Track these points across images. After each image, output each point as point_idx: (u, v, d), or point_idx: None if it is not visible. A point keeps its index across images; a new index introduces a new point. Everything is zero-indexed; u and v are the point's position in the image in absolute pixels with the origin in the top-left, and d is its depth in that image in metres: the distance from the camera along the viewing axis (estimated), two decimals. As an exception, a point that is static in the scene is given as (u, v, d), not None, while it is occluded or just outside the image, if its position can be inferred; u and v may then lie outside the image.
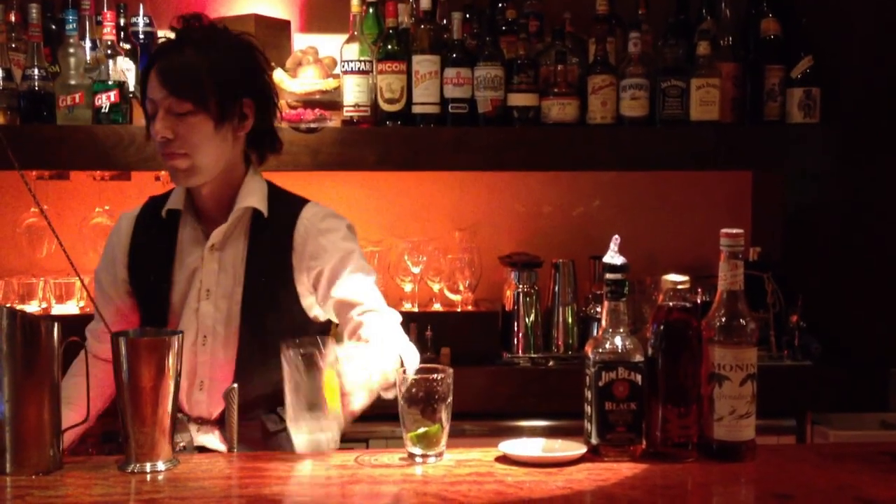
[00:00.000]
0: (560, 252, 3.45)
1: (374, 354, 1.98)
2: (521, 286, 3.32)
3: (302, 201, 2.30)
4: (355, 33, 3.18)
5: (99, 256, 2.39)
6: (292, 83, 3.23)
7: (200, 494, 1.67)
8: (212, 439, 2.16)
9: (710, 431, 1.85)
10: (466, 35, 3.24)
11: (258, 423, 2.17)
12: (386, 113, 3.17)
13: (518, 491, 1.69)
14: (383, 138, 3.17)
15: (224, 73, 2.15)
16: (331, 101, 3.22)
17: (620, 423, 1.83)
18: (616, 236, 1.89)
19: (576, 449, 1.85)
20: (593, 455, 1.84)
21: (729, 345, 1.84)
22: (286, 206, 2.26)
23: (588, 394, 1.85)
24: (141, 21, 3.28)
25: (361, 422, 3.09)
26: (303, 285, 2.21)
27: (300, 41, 3.54)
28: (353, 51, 3.16)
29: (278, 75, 3.24)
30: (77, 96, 3.05)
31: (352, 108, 3.17)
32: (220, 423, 2.12)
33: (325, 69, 3.29)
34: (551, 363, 3.28)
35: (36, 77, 3.04)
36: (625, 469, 1.80)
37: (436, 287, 3.49)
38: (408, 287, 3.48)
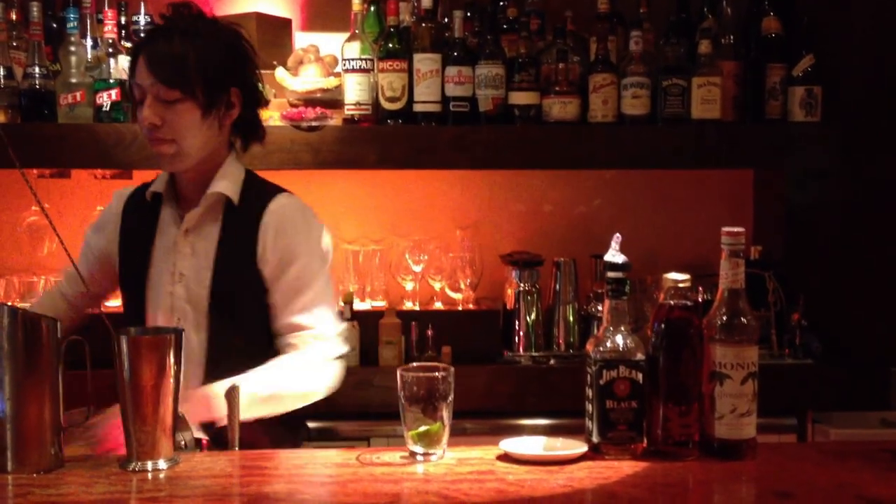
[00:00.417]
0: (561, 251, 3.45)
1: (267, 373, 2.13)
2: (522, 285, 3.32)
3: (274, 191, 2.31)
4: (356, 32, 3.18)
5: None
6: (293, 81, 3.23)
7: (202, 493, 1.67)
8: None
9: (711, 430, 1.85)
10: (468, 33, 3.23)
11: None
12: (387, 111, 3.17)
13: (519, 489, 1.69)
14: (384, 137, 3.17)
15: (211, 62, 2.19)
16: (332, 100, 3.22)
17: (621, 421, 1.83)
18: (617, 235, 1.89)
19: (577, 447, 1.84)
20: (594, 453, 1.84)
21: (730, 343, 1.84)
22: (257, 196, 2.28)
23: (589, 392, 1.85)
24: (142, 19, 3.28)
25: (363, 420, 3.13)
26: (265, 275, 2.25)
27: (301, 39, 3.54)
28: (354, 49, 3.16)
29: (280, 74, 3.24)
30: (78, 95, 3.05)
31: (353, 107, 3.17)
32: None
33: (326, 67, 3.29)
34: (552, 362, 3.28)
35: (37, 75, 3.04)
36: (626, 467, 1.80)
37: (437, 286, 3.49)
38: (409, 286, 3.49)
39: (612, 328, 1.86)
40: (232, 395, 2.01)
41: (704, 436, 1.86)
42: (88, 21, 3.14)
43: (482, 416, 3.13)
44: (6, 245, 3.52)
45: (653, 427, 1.86)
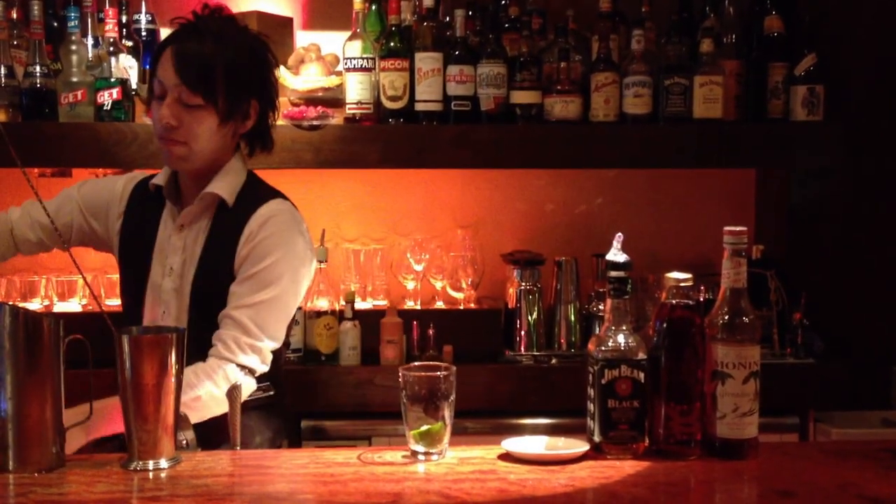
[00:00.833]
0: (563, 250, 3.45)
1: None
2: (523, 284, 3.32)
3: (268, 196, 2.31)
4: (358, 30, 3.18)
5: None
6: (295, 80, 3.23)
7: (203, 492, 1.67)
8: None
9: (712, 429, 1.85)
10: (469, 32, 3.23)
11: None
12: (388, 110, 3.17)
13: (521, 489, 1.68)
14: (386, 136, 3.16)
15: (238, 73, 2.21)
16: (333, 99, 3.22)
17: (623, 420, 1.83)
18: (619, 234, 1.89)
19: (578, 447, 1.84)
20: (596, 453, 1.84)
21: (732, 342, 1.84)
22: (251, 199, 2.29)
23: (591, 391, 1.85)
24: (143, 18, 3.28)
25: (364, 420, 3.13)
26: (235, 268, 2.25)
27: (303, 38, 3.53)
28: (355, 48, 3.16)
29: (281, 73, 3.23)
30: (79, 93, 3.05)
31: (354, 106, 3.17)
32: None
33: (327, 66, 3.29)
34: (554, 361, 3.28)
35: (38, 74, 3.04)
36: (627, 467, 1.80)
37: (438, 285, 3.49)
38: (410, 285, 3.49)
39: (613, 327, 1.85)
40: (233, 394, 2.00)
41: (706, 435, 1.86)
42: (89, 20, 3.13)
43: (483, 415, 3.13)
44: (7, 244, 3.52)
45: (654, 426, 1.86)
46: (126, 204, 2.39)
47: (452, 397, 1.83)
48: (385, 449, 1.91)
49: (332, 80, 3.24)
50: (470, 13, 3.26)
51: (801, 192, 3.60)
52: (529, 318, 3.32)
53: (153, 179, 2.35)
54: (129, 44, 3.21)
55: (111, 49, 3.10)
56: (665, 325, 1.86)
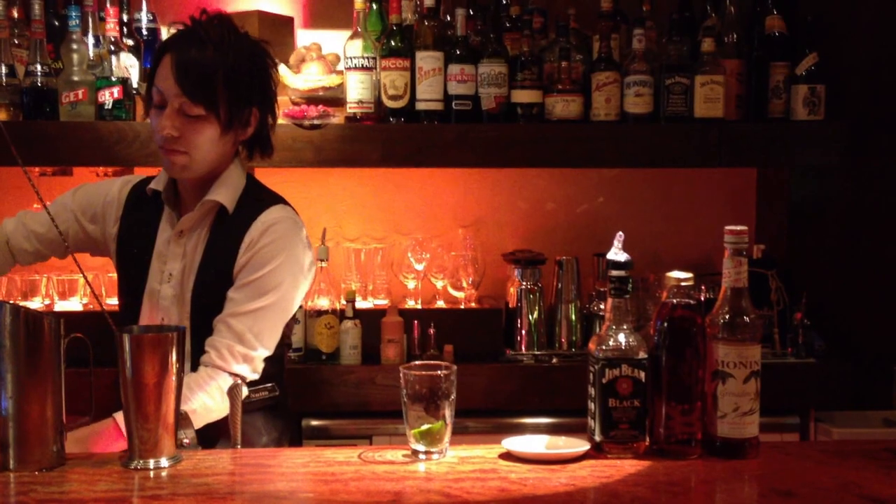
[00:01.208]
0: (563, 249, 3.45)
1: None
2: (524, 283, 3.32)
3: (268, 203, 2.28)
4: (359, 30, 3.18)
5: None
6: (296, 79, 3.23)
7: (204, 491, 1.67)
8: None
9: (713, 428, 1.85)
10: (470, 32, 3.23)
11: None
12: (389, 109, 3.17)
13: (521, 488, 1.68)
14: (387, 135, 3.16)
15: (239, 82, 2.18)
16: (334, 98, 3.22)
17: (624, 420, 1.83)
18: (620, 233, 1.88)
19: (579, 446, 1.84)
20: (597, 452, 1.84)
21: (733, 342, 1.84)
22: (251, 206, 2.26)
23: (591, 391, 1.85)
24: (144, 17, 3.28)
25: (365, 418, 3.13)
26: (234, 275, 2.23)
27: (304, 37, 3.54)
28: (356, 47, 3.16)
29: (282, 72, 3.23)
30: (80, 92, 3.05)
31: (355, 105, 3.17)
32: None
33: (328, 66, 3.29)
34: (554, 360, 3.28)
35: (39, 73, 3.04)
36: (628, 466, 1.80)
37: (439, 284, 3.49)
38: (411, 284, 3.48)
39: (614, 327, 1.85)
40: (234, 393, 2.01)
41: (707, 434, 1.86)
42: (90, 19, 3.13)
43: (484, 414, 3.14)
44: (8, 243, 3.52)
45: (655, 426, 1.86)
46: (123, 208, 2.36)
47: (453, 396, 1.83)
48: (386, 448, 1.91)
49: (333, 80, 3.24)
50: (471, 12, 3.26)
51: (802, 191, 3.60)
52: (530, 317, 3.32)
53: (150, 184, 2.32)
54: (130, 43, 3.20)
55: (112, 48, 3.09)
56: (666, 324, 1.86)
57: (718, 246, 1.91)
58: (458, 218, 3.65)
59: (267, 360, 2.25)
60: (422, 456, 1.83)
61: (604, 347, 1.84)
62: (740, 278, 1.85)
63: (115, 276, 2.51)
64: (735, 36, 3.30)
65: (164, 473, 1.76)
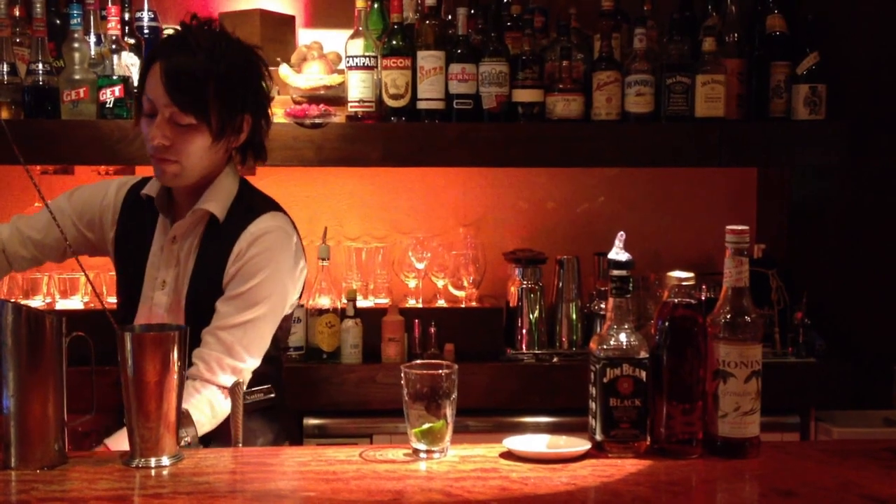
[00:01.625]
0: (564, 248, 3.45)
1: None
2: (525, 282, 3.32)
3: (260, 211, 2.26)
4: (360, 29, 3.18)
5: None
6: (297, 78, 3.23)
7: (205, 489, 1.67)
8: None
9: (714, 428, 1.85)
10: (471, 31, 3.23)
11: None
12: (390, 109, 3.17)
13: (522, 487, 1.69)
14: (388, 134, 3.16)
15: (231, 90, 2.15)
16: (335, 97, 3.22)
17: (625, 419, 1.83)
18: (621, 233, 1.89)
19: (580, 445, 1.84)
20: (598, 451, 1.84)
21: (734, 341, 1.84)
22: (242, 215, 2.23)
23: (592, 390, 1.85)
24: (146, 16, 3.28)
25: (366, 417, 3.14)
26: (224, 284, 2.21)
27: (305, 36, 3.54)
28: (357, 46, 3.16)
29: (283, 70, 3.24)
30: (81, 91, 3.05)
31: (356, 104, 3.17)
32: None
33: (329, 65, 3.29)
34: (555, 359, 3.28)
35: (40, 72, 3.04)
36: (629, 465, 1.80)
37: (440, 283, 3.49)
38: (412, 283, 3.49)
39: (615, 326, 1.85)
40: (235, 392, 2.01)
41: (708, 434, 1.86)
42: (92, 17, 3.14)
43: (485, 413, 3.14)
44: (9, 241, 3.52)
45: (656, 425, 1.86)
46: (120, 212, 2.33)
47: (454, 395, 1.83)
48: (387, 447, 1.91)
49: (335, 79, 3.24)
50: (472, 11, 3.27)
51: (803, 190, 3.60)
52: (531, 316, 3.32)
53: (144, 189, 2.29)
54: (132, 41, 3.21)
55: (114, 47, 3.10)
56: (667, 323, 1.86)
57: (719, 245, 1.91)
58: (459, 217, 3.65)
59: (264, 361, 2.24)
60: (423, 455, 1.83)
61: (605, 347, 1.84)
62: (741, 278, 1.85)
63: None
64: (736, 35, 3.30)
65: (165, 472, 1.76)
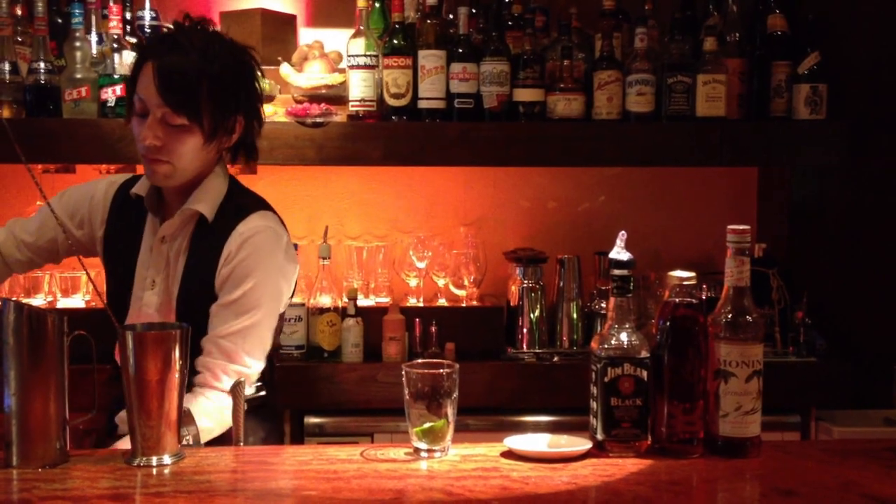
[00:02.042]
0: (565, 247, 3.45)
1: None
2: (526, 281, 3.32)
3: (249, 210, 2.24)
4: (361, 28, 3.18)
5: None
6: (298, 77, 3.23)
7: (206, 488, 1.67)
8: None
9: (715, 428, 1.85)
10: (472, 30, 3.23)
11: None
12: (392, 108, 3.17)
13: (523, 486, 1.69)
14: (389, 133, 3.17)
15: (223, 91, 2.14)
16: (336, 96, 3.23)
17: (626, 419, 1.83)
18: (622, 232, 1.89)
19: (581, 444, 1.85)
20: (598, 451, 1.84)
21: (735, 341, 1.84)
22: (232, 214, 2.22)
23: (593, 389, 1.85)
24: (147, 15, 3.28)
25: (366, 416, 3.14)
26: (216, 287, 2.20)
27: (306, 35, 3.54)
28: (359, 45, 3.16)
29: (284, 70, 3.24)
30: (83, 90, 3.06)
31: (357, 103, 3.17)
32: None
33: (330, 64, 3.29)
34: (556, 359, 3.28)
35: (42, 70, 3.04)
36: (630, 465, 1.80)
37: (441, 282, 3.49)
38: (413, 282, 3.49)
39: (616, 325, 1.86)
40: (236, 391, 2.01)
41: (709, 433, 1.86)
42: (93, 16, 3.14)
43: (485, 412, 3.14)
44: (11, 240, 3.52)
45: (657, 425, 1.86)
46: (109, 210, 2.32)
47: (455, 395, 1.83)
48: (388, 446, 1.91)
49: (336, 78, 3.24)
50: (473, 11, 3.27)
51: (804, 190, 3.60)
52: (532, 315, 3.32)
53: (133, 188, 2.28)
54: (133, 40, 3.20)
55: (115, 45, 3.10)
56: (668, 323, 1.86)
57: (719, 245, 1.91)
58: (460, 216, 3.66)
59: None
60: (424, 454, 1.83)
61: (606, 346, 1.84)
62: (742, 277, 1.85)
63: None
64: (737, 35, 3.30)
65: (166, 471, 1.76)
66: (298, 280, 3.30)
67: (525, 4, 3.32)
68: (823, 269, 3.49)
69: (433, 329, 3.30)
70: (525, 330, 3.32)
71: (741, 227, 1.85)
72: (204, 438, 2.09)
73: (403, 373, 1.84)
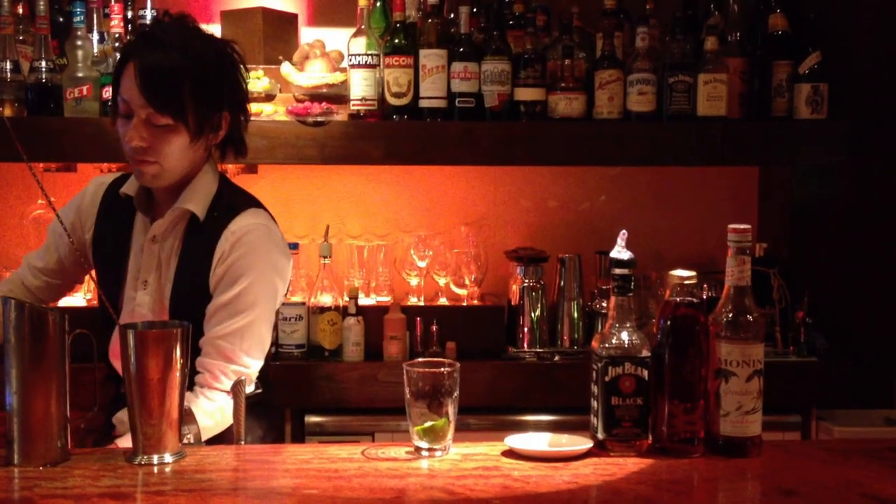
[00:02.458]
0: (566, 247, 3.45)
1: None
2: (526, 281, 3.32)
3: (240, 209, 2.23)
4: (363, 27, 3.18)
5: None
6: (299, 77, 3.23)
7: (208, 487, 1.67)
8: None
9: (716, 427, 1.85)
10: (474, 29, 3.23)
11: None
12: (393, 107, 3.17)
13: (524, 485, 1.69)
14: (390, 132, 3.17)
15: (207, 87, 2.13)
16: (338, 95, 3.23)
17: (626, 418, 1.83)
18: (624, 231, 1.89)
19: (582, 444, 1.85)
20: (599, 450, 1.84)
21: (736, 340, 1.84)
22: (223, 212, 2.21)
23: (594, 389, 1.85)
24: (149, 14, 3.27)
25: (367, 415, 3.14)
26: (210, 287, 2.20)
27: (307, 34, 3.54)
28: (360, 44, 3.16)
29: (285, 69, 3.24)
30: (84, 89, 3.06)
31: (359, 102, 3.17)
32: None
33: (332, 63, 3.29)
34: (557, 358, 3.28)
35: (43, 69, 3.05)
36: (631, 464, 1.80)
37: (442, 281, 3.49)
38: (414, 281, 3.49)
39: (617, 325, 1.86)
40: (237, 388, 2.01)
41: (709, 433, 1.86)
42: (95, 15, 3.14)
43: (486, 412, 3.14)
44: (12, 238, 3.53)
45: (658, 424, 1.86)
46: (97, 211, 2.31)
47: (456, 394, 1.84)
48: (389, 445, 1.91)
49: (337, 77, 3.24)
50: (475, 10, 3.27)
51: (805, 190, 3.60)
52: (533, 314, 3.32)
53: (122, 188, 2.26)
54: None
55: (116, 44, 3.10)
56: (669, 322, 1.86)
57: (720, 244, 1.91)
58: (461, 215, 3.65)
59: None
60: (425, 453, 1.83)
61: (607, 345, 1.84)
62: (743, 277, 1.85)
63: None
64: (738, 34, 3.30)
65: (167, 469, 1.76)
66: (299, 279, 3.33)
67: (526, 3, 3.33)
68: (824, 269, 3.48)
69: (434, 328, 3.30)
70: (526, 329, 3.32)
71: (742, 226, 1.85)
72: (204, 437, 2.10)
73: (404, 372, 1.84)
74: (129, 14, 3.25)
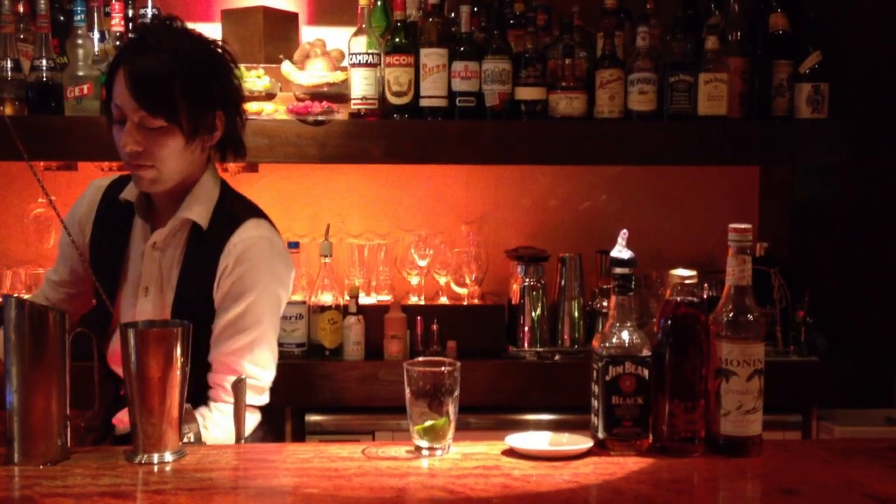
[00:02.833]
0: (566, 246, 3.45)
1: None
2: (527, 280, 3.32)
3: (243, 218, 2.22)
4: (363, 26, 3.18)
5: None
6: (300, 75, 3.23)
7: (208, 486, 1.67)
8: None
9: (716, 426, 1.85)
10: (474, 28, 3.23)
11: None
12: (393, 106, 3.17)
13: (525, 484, 1.69)
14: (390, 131, 3.16)
15: (198, 88, 2.12)
16: (338, 94, 3.22)
17: (627, 417, 1.83)
18: (624, 231, 1.89)
19: (582, 443, 1.85)
20: (600, 449, 1.84)
21: (736, 340, 1.84)
22: (226, 222, 2.20)
23: (595, 388, 1.85)
24: (149, 12, 3.27)
25: (368, 414, 3.14)
26: (215, 301, 2.19)
27: (308, 34, 3.54)
28: (360, 43, 3.16)
29: (286, 68, 3.24)
30: (85, 87, 3.06)
31: (359, 101, 3.17)
32: None
33: (332, 62, 3.29)
34: (557, 357, 3.28)
35: (44, 68, 3.05)
36: (631, 463, 1.80)
37: (442, 280, 3.49)
38: (414, 280, 3.49)
39: (618, 324, 1.86)
40: (238, 387, 2.01)
41: (710, 432, 1.86)
42: (96, 14, 3.14)
43: (487, 411, 3.14)
44: (13, 237, 3.53)
45: (658, 423, 1.86)
46: (95, 214, 2.31)
47: (456, 393, 1.84)
48: (389, 444, 1.91)
49: (338, 76, 3.24)
50: (475, 9, 3.26)
51: (805, 189, 3.60)
52: (533, 314, 3.32)
53: (122, 193, 2.26)
54: (135, 38, 3.20)
55: (117, 43, 3.10)
56: (669, 322, 1.86)
57: (721, 243, 1.91)
58: (462, 214, 3.66)
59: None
60: (425, 452, 1.84)
61: (607, 345, 1.85)
62: (744, 276, 1.86)
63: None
64: (739, 34, 3.30)
65: (167, 468, 1.77)
66: (300, 278, 3.33)
67: (527, 3, 3.32)
68: (825, 269, 3.48)
69: (434, 327, 3.30)
70: (526, 328, 3.32)
71: (743, 225, 1.85)
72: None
73: (405, 371, 1.84)
74: (130, 13, 3.25)
